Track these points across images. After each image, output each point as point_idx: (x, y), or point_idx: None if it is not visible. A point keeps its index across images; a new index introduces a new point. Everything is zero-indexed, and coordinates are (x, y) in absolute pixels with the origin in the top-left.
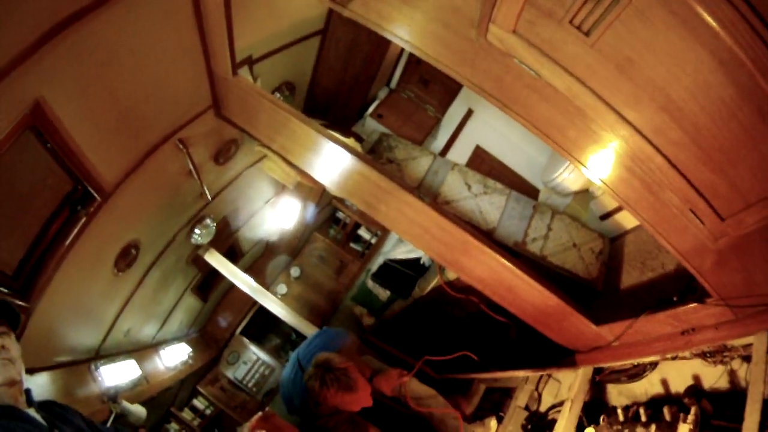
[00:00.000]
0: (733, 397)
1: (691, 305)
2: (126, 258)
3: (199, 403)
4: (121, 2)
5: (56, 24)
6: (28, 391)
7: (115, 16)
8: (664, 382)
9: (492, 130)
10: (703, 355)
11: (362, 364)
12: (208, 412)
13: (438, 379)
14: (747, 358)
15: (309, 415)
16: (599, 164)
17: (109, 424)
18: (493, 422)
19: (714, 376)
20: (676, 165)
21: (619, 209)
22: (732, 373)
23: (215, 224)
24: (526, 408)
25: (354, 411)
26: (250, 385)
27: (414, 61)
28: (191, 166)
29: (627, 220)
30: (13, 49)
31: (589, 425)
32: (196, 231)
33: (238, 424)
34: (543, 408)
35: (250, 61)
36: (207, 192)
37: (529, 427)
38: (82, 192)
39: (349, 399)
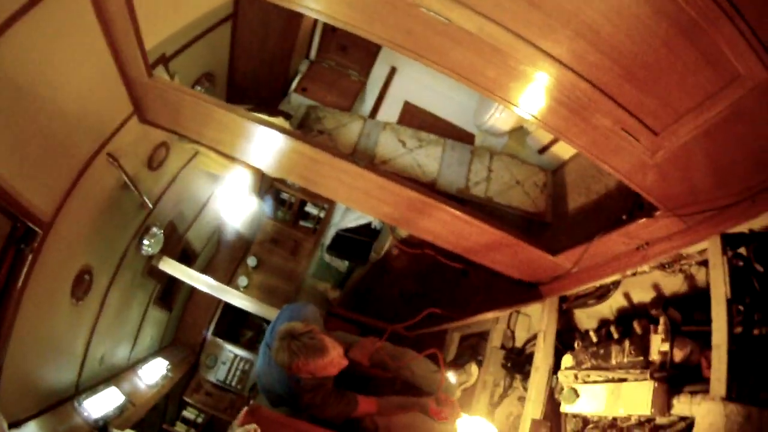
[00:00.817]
0: (698, 299)
1: (641, 221)
2: (81, 285)
3: (189, 413)
4: (22, 24)
5: None
6: None
7: (17, 41)
8: (629, 299)
9: (417, 83)
10: (661, 267)
11: (332, 334)
12: (199, 420)
13: (412, 338)
14: (704, 263)
15: (294, 398)
16: (526, 100)
17: None
18: (474, 368)
19: (675, 285)
20: (600, 88)
21: (555, 141)
22: (692, 279)
23: (162, 231)
24: (503, 347)
25: (333, 375)
26: (233, 383)
27: (329, 29)
28: (126, 178)
29: (565, 149)
30: None
31: (566, 352)
32: (145, 242)
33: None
34: (519, 344)
35: (164, 59)
36: (147, 200)
37: (509, 364)
38: (22, 229)
39: (322, 363)
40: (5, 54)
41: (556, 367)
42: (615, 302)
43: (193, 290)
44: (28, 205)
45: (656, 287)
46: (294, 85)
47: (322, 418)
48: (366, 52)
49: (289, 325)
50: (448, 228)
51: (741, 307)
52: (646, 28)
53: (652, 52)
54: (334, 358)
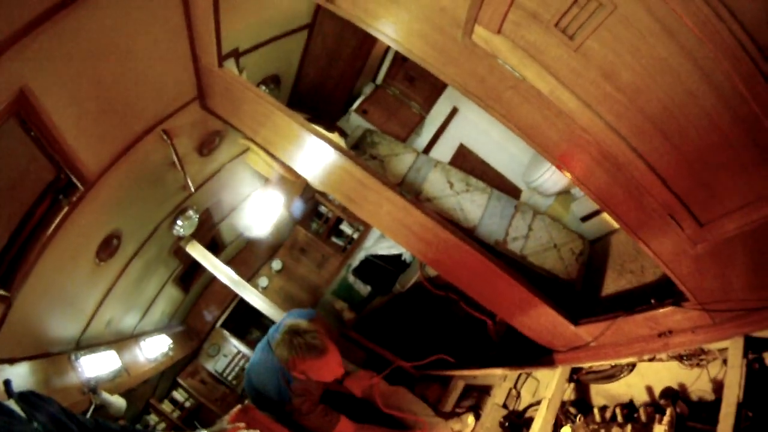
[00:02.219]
0: (709, 400)
1: (669, 308)
2: (108, 248)
3: (179, 395)
4: None
5: (42, 12)
6: (7, 382)
7: (102, 4)
8: (641, 384)
9: (476, 128)
10: (679, 358)
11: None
12: (187, 404)
13: (417, 377)
14: (723, 362)
15: (282, 398)
16: (580, 167)
17: (88, 415)
18: (470, 419)
19: (690, 379)
20: (657, 170)
21: (599, 212)
22: (708, 376)
23: (198, 216)
24: (505, 406)
25: (326, 380)
26: (230, 378)
27: (400, 58)
28: (175, 157)
29: (607, 222)
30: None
31: (566, 424)
32: (179, 222)
33: (217, 417)
34: (522, 406)
35: (236, 54)
36: (190, 183)
37: (507, 424)
38: (65, 181)
39: (318, 364)
40: (85, 14)
41: None
42: (626, 384)
43: (212, 279)
44: (76, 160)
45: (670, 378)
46: (356, 105)
47: (301, 427)
48: (432, 87)
49: (296, 321)
50: (478, 277)
51: (750, 413)
52: (710, 120)
53: (713, 144)
54: (330, 363)
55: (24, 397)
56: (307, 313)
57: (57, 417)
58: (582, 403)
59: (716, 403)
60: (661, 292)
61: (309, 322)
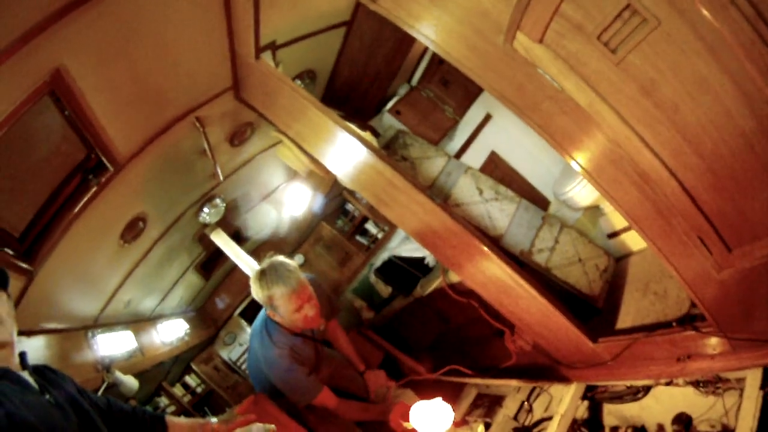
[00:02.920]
0: (723, 428)
1: (689, 332)
2: (133, 230)
3: (191, 380)
4: None
5: None
6: (23, 354)
7: None
8: (655, 407)
9: (509, 137)
10: (695, 384)
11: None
12: (199, 390)
13: (430, 380)
14: (739, 392)
15: (265, 353)
16: (612, 182)
17: (100, 393)
18: (480, 428)
19: (705, 407)
20: (689, 191)
21: (627, 229)
22: (723, 405)
23: (225, 205)
24: (516, 418)
25: (301, 326)
26: (243, 367)
27: (437, 61)
28: (206, 146)
29: (634, 241)
30: (37, 16)
31: None
32: (205, 210)
33: (227, 405)
34: (533, 420)
35: (273, 46)
36: (219, 172)
37: None
38: (95, 161)
39: (286, 296)
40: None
41: None
42: (640, 406)
43: (234, 268)
44: (107, 142)
45: (684, 403)
46: (389, 105)
47: (284, 393)
48: (466, 92)
49: (274, 257)
50: (501, 286)
51: None
52: (748, 144)
53: (747, 167)
54: (300, 298)
55: (39, 371)
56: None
57: (69, 392)
58: (593, 422)
59: None
60: (684, 317)
61: (294, 264)
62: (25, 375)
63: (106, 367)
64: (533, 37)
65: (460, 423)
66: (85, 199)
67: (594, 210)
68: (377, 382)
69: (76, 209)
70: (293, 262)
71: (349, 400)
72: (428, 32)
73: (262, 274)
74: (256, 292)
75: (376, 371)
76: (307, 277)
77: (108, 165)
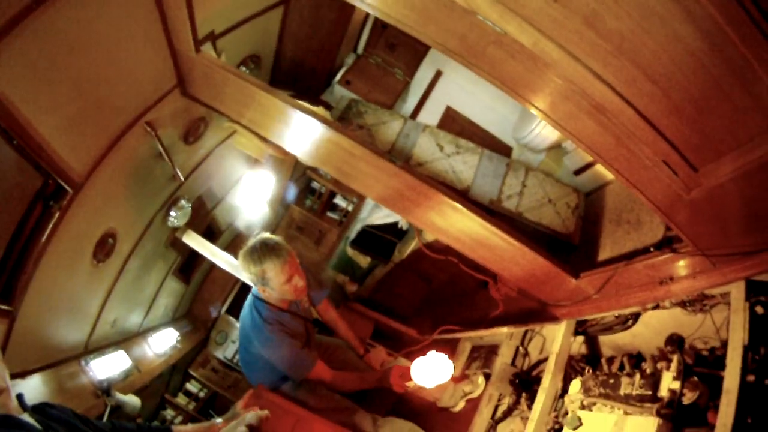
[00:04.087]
0: (715, 345)
1: (668, 255)
2: (104, 248)
3: (192, 386)
4: None
5: (12, 17)
6: (20, 396)
7: (68, 3)
8: (647, 333)
9: (462, 90)
10: (682, 304)
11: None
12: (201, 394)
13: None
14: (726, 306)
15: (257, 332)
16: (570, 120)
17: (105, 419)
18: (480, 379)
19: (695, 325)
20: (647, 117)
21: (592, 164)
22: (712, 321)
23: (190, 205)
24: (513, 364)
25: (288, 294)
26: (237, 359)
27: (379, 26)
28: (161, 149)
29: (601, 174)
30: None
31: (575, 378)
32: (172, 213)
33: (232, 404)
34: (530, 363)
35: (212, 37)
36: (179, 173)
37: (517, 381)
38: (53, 186)
39: (276, 268)
40: (54, 15)
41: (564, 391)
42: (632, 333)
43: (212, 266)
44: (61, 164)
45: (674, 324)
46: (338, 76)
47: (283, 367)
48: (413, 52)
49: (259, 235)
50: (476, 238)
51: (756, 356)
52: (700, 63)
53: (703, 88)
54: (288, 270)
55: (38, 410)
56: None
57: (73, 425)
58: (590, 355)
59: (722, 348)
60: (660, 240)
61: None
62: (26, 417)
63: (105, 391)
64: None
65: (460, 378)
66: (51, 226)
67: (557, 149)
68: (378, 359)
69: (44, 238)
70: (278, 237)
71: (343, 372)
72: None
73: (253, 250)
74: (248, 268)
75: (376, 350)
76: None
77: (66, 187)
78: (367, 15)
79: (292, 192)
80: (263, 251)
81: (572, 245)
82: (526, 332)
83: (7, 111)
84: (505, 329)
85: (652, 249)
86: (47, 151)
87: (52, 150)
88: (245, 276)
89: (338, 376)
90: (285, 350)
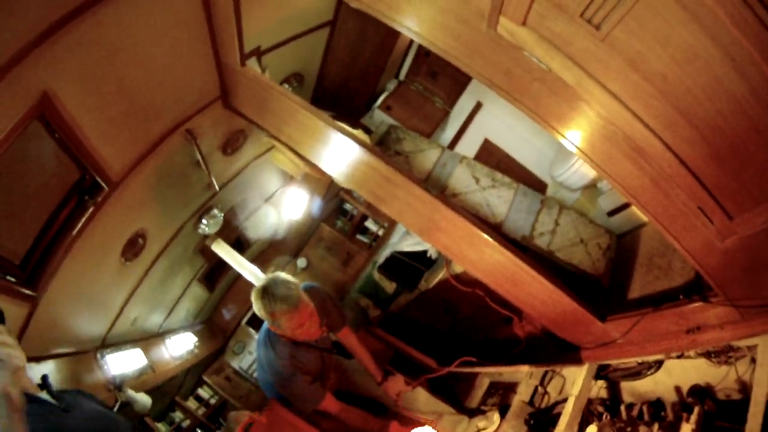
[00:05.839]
0: (737, 398)
1: (697, 304)
2: (133, 247)
3: (203, 392)
4: None
5: (64, 15)
6: (45, 377)
7: (122, 6)
8: (669, 381)
9: (501, 123)
10: (708, 355)
11: (331, 313)
12: (212, 401)
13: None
14: (752, 360)
15: (270, 363)
16: (608, 160)
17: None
18: (496, 416)
19: (718, 377)
20: (685, 162)
21: (626, 206)
22: (736, 374)
23: (222, 214)
24: (531, 403)
25: (302, 338)
26: (255, 375)
27: (423, 53)
28: (199, 157)
29: (634, 216)
30: (22, 41)
31: (593, 422)
32: (203, 221)
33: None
34: (548, 404)
35: (258, 52)
36: (215, 182)
37: (533, 422)
38: (90, 182)
39: (288, 315)
40: (107, 16)
41: None
42: (653, 381)
43: (238, 277)
44: (101, 161)
45: (698, 375)
46: (379, 101)
47: (290, 400)
48: (455, 81)
49: (274, 274)
50: (505, 273)
51: None
52: (741, 109)
53: (743, 135)
54: (300, 317)
55: (60, 393)
56: (307, 283)
57: (95, 408)
58: (609, 400)
59: (745, 402)
60: (690, 288)
61: (293, 278)
62: (43, 395)
63: (117, 387)
64: (516, 20)
65: (476, 413)
66: (83, 220)
67: (592, 189)
68: (395, 388)
69: (75, 231)
70: (294, 279)
71: (351, 408)
72: (411, 24)
73: (264, 292)
74: (258, 309)
75: (395, 378)
76: (309, 286)
77: (103, 184)
78: (411, 41)
79: (323, 211)
80: (274, 298)
81: (601, 287)
82: (546, 372)
83: (51, 104)
84: (525, 368)
85: (681, 296)
86: (88, 148)
87: (93, 147)
88: (258, 313)
89: (344, 411)
90: (293, 385)
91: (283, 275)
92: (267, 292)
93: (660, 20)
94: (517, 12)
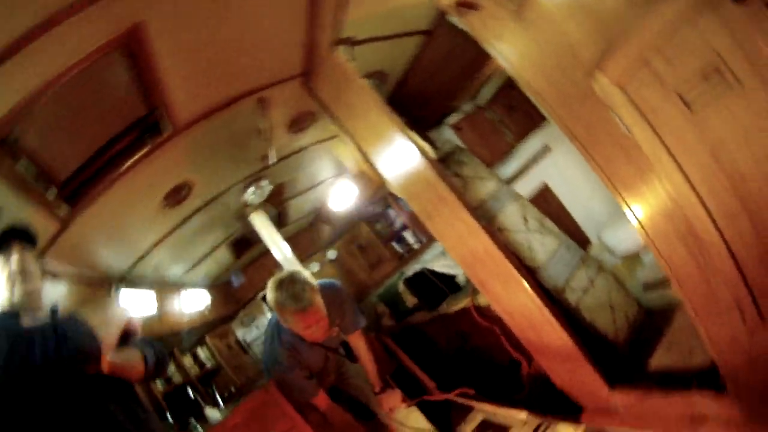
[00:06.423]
0: None
1: (708, 395)
2: (177, 195)
3: (202, 352)
4: None
5: None
6: (54, 309)
7: None
8: None
9: (564, 172)
10: None
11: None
12: (208, 364)
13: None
14: None
15: (272, 349)
16: (662, 236)
17: None
18: None
19: None
20: (737, 259)
21: (662, 283)
22: None
23: (271, 187)
24: None
25: (311, 338)
26: (257, 350)
27: (508, 85)
28: (265, 127)
29: (669, 296)
30: None
31: None
32: (251, 189)
33: (233, 383)
34: None
35: (350, 42)
36: (272, 155)
37: None
38: (154, 120)
39: (296, 317)
40: None
41: None
42: None
43: (266, 252)
44: (171, 105)
45: None
46: (451, 119)
47: (285, 389)
48: (530, 119)
49: (299, 271)
50: (527, 316)
51: None
52: None
53: None
54: (307, 321)
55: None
56: (330, 282)
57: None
58: None
59: None
60: (705, 377)
61: (313, 279)
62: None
63: None
64: (614, 79)
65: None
66: (137, 156)
67: (635, 258)
68: (390, 402)
69: (126, 165)
70: (313, 281)
71: (339, 408)
72: (509, 56)
73: (279, 286)
74: (270, 300)
75: (393, 392)
76: (330, 284)
77: (166, 127)
78: (497, 70)
79: (366, 211)
80: (287, 296)
81: (618, 355)
82: (540, 424)
83: (139, 38)
84: (522, 414)
85: (694, 382)
86: (163, 88)
87: (168, 89)
88: (269, 302)
89: (331, 410)
90: (288, 376)
91: (304, 274)
92: (282, 286)
93: (753, 116)
94: (617, 72)
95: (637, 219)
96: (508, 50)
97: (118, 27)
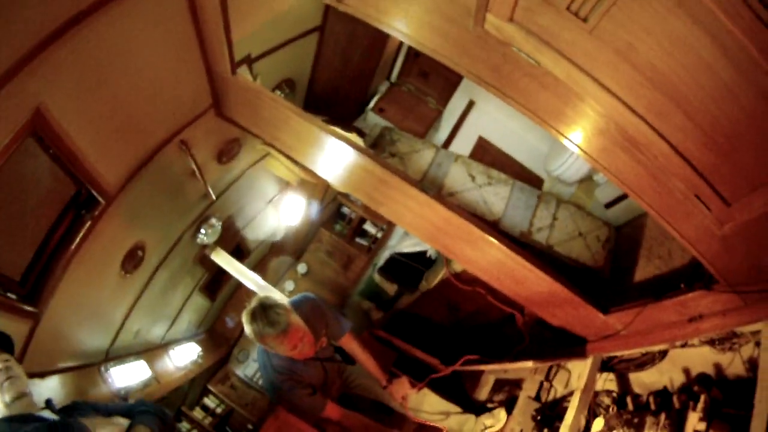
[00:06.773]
0: (744, 383)
1: (698, 292)
2: (133, 259)
3: (209, 401)
4: (118, 5)
5: (54, 30)
6: (49, 401)
7: (111, 19)
8: (674, 370)
9: (494, 120)
10: (711, 343)
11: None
12: (218, 410)
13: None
14: (756, 344)
15: (269, 378)
16: (603, 152)
17: None
18: (502, 413)
19: (724, 363)
20: (679, 150)
21: (623, 197)
22: (741, 360)
23: (221, 223)
24: (537, 398)
25: (297, 358)
26: (260, 382)
27: (413, 54)
28: (194, 167)
29: (633, 207)
30: (12, 57)
31: (600, 415)
32: (202, 231)
33: (249, 421)
34: (554, 398)
35: (249, 60)
36: (211, 192)
37: (539, 417)
38: (85, 196)
39: (278, 340)
40: (97, 30)
41: (587, 429)
42: (659, 371)
43: (239, 285)
44: (96, 175)
45: (703, 363)
46: (372, 104)
47: (295, 410)
48: (446, 81)
49: (266, 296)
50: (504, 270)
51: None
52: (731, 94)
53: (735, 119)
54: (291, 341)
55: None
56: (303, 296)
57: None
58: (618, 392)
59: (751, 387)
60: (691, 276)
61: (284, 299)
62: (45, 413)
63: (122, 399)
64: (503, 16)
65: (482, 410)
66: (81, 234)
67: (588, 182)
68: (400, 391)
69: (74, 246)
70: (283, 302)
71: (354, 414)
72: (399, 26)
73: (253, 318)
74: (248, 333)
75: (399, 381)
76: (305, 299)
77: (99, 198)
78: (401, 43)
79: (321, 216)
80: (263, 325)
81: (602, 279)
82: (551, 367)
83: (45, 120)
84: (530, 363)
85: (682, 285)
86: (82, 162)
87: (87, 161)
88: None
89: (346, 419)
90: (292, 398)
91: (272, 298)
92: (255, 317)
93: (647, 9)
94: (504, 8)
95: (575, 144)
96: (395, 20)
97: (22, 116)
